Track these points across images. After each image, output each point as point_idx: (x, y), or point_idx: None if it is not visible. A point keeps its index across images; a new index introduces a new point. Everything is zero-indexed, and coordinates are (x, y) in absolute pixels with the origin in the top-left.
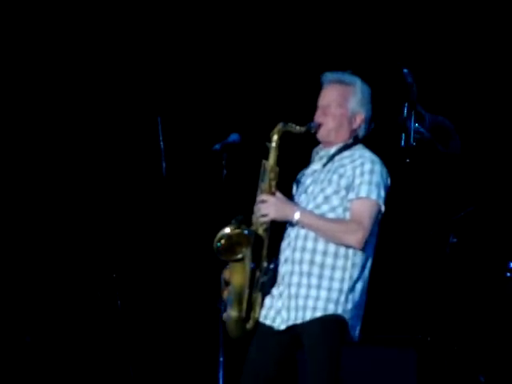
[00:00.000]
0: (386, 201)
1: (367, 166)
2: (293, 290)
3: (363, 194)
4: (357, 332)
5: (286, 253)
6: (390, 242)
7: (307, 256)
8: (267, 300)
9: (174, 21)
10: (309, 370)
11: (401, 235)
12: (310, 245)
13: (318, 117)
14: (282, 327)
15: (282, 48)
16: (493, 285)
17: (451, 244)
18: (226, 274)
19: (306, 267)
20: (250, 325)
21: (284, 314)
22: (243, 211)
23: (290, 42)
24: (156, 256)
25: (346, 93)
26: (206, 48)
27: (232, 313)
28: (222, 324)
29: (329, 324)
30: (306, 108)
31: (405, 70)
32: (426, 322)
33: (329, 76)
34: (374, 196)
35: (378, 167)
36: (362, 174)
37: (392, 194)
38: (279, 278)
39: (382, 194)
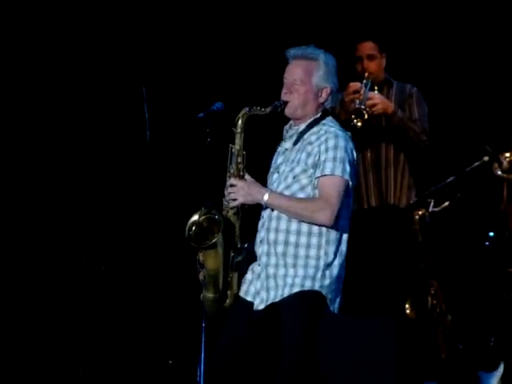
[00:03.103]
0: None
1: (331, 142)
2: (270, 271)
3: (328, 171)
4: (336, 305)
5: (261, 234)
6: (370, 211)
7: (281, 237)
8: (248, 274)
9: None
10: (284, 343)
11: (381, 204)
12: (283, 225)
13: (284, 94)
14: (261, 307)
15: (263, 18)
16: (472, 253)
17: (431, 213)
18: (201, 257)
19: (280, 248)
20: (227, 303)
21: (263, 294)
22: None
23: (270, 13)
24: (140, 222)
25: (310, 68)
26: (190, 17)
27: (208, 294)
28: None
29: (306, 298)
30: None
31: None
32: (407, 290)
33: (292, 52)
34: (338, 172)
35: (342, 142)
36: (326, 150)
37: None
38: (257, 258)
39: (348, 168)
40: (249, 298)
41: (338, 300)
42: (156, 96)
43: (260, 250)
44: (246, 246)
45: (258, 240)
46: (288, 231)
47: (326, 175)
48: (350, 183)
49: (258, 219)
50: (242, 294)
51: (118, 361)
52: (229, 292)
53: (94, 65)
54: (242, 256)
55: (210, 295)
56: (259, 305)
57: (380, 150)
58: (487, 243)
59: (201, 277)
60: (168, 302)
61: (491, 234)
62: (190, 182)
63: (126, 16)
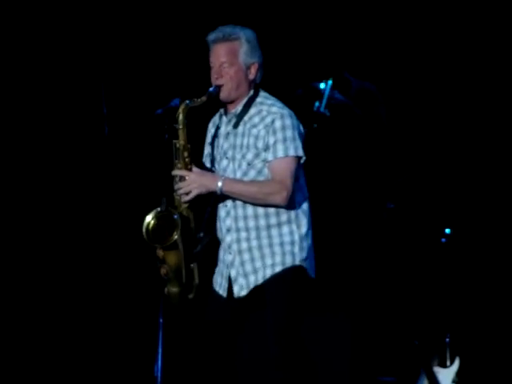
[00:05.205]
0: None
1: (278, 123)
2: (245, 256)
3: (281, 153)
4: (313, 270)
5: (227, 222)
6: (328, 208)
7: (251, 223)
8: (218, 267)
9: None
10: (270, 322)
11: (339, 199)
12: (250, 211)
13: (215, 79)
14: (243, 293)
15: (223, 13)
16: (428, 250)
17: (388, 210)
18: (160, 253)
19: (253, 233)
20: (192, 294)
21: (242, 280)
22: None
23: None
24: (98, 215)
25: (234, 48)
26: (148, 13)
27: (172, 289)
28: (162, 286)
29: (289, 275)
30: None
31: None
32: (362, 287)
33: (212, 36)
34: (291, 152)
35: (288, 120)
36: (274, 132)
37: (329, 162)
38: (225, 247)
39: (299, 144)
40: (218, 289)
41: (313, 264)
42: (115, 93)
43: (229, 238)
44: (201, 235)
45: (223, 229)
46: (256, 216)
47: (279, 158)
48: (303, 159)
49: (211, 206)
50: (213, 285)
51: (75, 356)
52: (193, 283)
53: (53, 60)
54: (201, 246)
55: (175, 289)
56: (240, 291)
57: None
58: (443, 240)
59: (162, 272)
60: (124, 298)
61: (447, 230)
62: (147, 177)
63: (85, 12)
